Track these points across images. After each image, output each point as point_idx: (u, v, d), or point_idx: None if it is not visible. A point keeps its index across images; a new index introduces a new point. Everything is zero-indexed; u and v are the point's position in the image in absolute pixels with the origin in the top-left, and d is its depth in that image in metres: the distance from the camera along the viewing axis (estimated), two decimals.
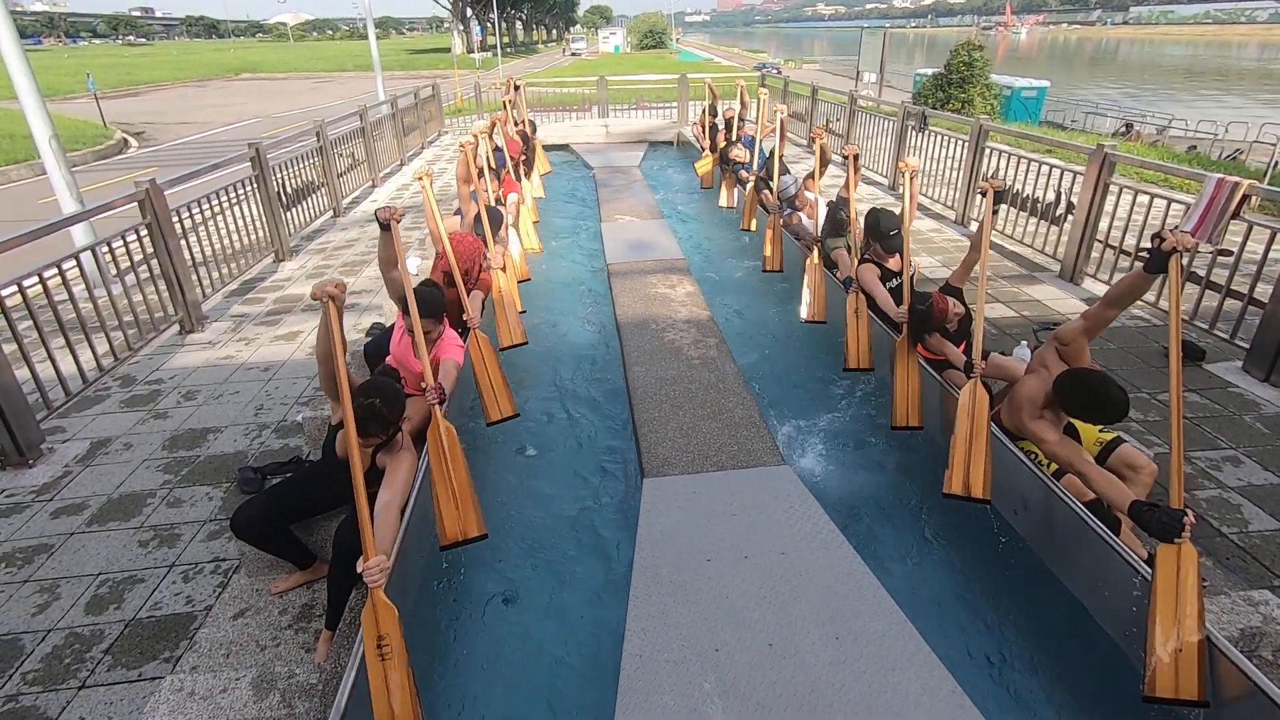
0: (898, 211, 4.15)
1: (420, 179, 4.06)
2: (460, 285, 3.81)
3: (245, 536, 2.54)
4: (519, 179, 6.85)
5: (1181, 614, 1.99)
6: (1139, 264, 2.60)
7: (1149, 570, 2.20)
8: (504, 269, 4.59)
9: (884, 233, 4.04)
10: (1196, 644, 1.95)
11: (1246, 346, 4.08)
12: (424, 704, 1.96)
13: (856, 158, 4.66)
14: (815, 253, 4.81)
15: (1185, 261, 4.70)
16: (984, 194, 3.44)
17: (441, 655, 2.51)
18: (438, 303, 3.21)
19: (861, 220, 4.31)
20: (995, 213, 3.49)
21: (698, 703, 2.03)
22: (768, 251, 5.65)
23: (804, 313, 4.69)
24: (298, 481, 2.75)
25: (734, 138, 7.81)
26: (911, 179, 4.04)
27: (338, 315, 2.29)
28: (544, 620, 2.69)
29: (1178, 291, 2.39)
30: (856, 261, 4.25)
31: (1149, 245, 4.81)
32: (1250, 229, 4.35)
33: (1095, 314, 2.63)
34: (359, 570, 2.06)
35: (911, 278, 3.81)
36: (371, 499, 2.46)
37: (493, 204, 5.57)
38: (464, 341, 3.48)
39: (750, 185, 6.68)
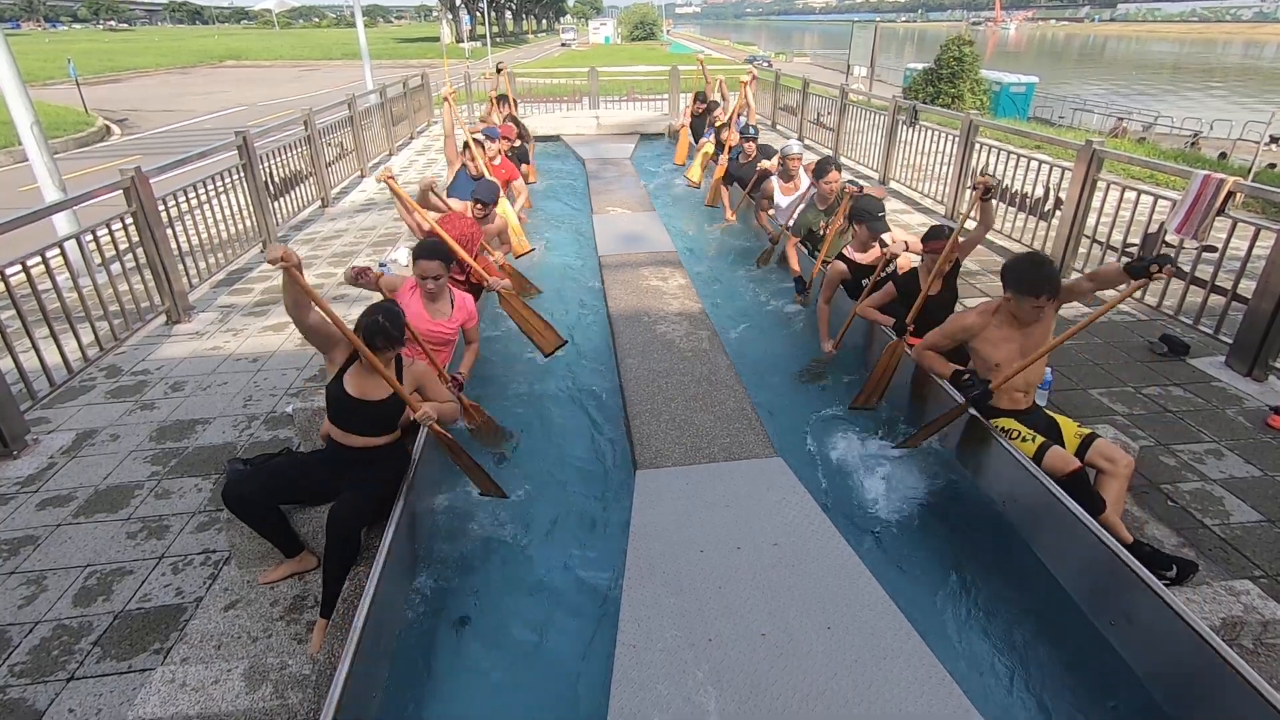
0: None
1: (381, 180, 4.22)
2: (466, 258, 4.03)
3: (235, 509, 2.51)
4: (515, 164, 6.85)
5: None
6: (1126, 258, 2.73)
7: (1130, 557, 2.25)
8: (507, 275, 4.75)
9: (870, 214, 4.06)
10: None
11: (1230, 342, 4.14)
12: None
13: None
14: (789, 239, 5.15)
15: (1170, 257, 4.77)
16: (974, 188, 3.44)
17: (435, 648, 2.51)
18: (438, 245, 3.49)
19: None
20: (986, 202, 3.51)
21: (691, 692, 2.04)
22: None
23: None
24: (295, 462, 2.74)
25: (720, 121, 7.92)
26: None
27: (299, 276, 2.39)
28: (537, 611, 2.70)
29: (1134, 290, 2.73)
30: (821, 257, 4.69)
31: (1137, 246, 4.88)
32: (1234, 226, 4.41)
33: (1072, 286, 2.86)
34: (415, 418, 2.65)
35: (893, 270, 3.88)
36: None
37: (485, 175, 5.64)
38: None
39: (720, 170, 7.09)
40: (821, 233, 4.92)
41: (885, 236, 4.04)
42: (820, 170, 4.84)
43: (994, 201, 3.53)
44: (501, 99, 8.49)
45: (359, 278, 3.52)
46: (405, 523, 2.54)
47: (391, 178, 4.18)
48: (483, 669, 2.45)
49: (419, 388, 2.81)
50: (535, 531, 3.10)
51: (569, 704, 2.35)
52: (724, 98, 8.97)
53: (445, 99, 6.17)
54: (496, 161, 6.19)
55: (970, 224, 3.63)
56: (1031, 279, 2.70)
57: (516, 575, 2.86)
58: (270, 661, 2.19)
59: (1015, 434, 2.82)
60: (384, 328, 2.51)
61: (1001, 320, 2.87)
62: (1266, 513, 2.96)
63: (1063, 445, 2.78)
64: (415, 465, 2.72)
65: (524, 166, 7.71)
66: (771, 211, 5.88)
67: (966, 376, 2.92)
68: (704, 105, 9.07)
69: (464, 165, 5.90)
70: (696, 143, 9.00)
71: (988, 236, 6.39)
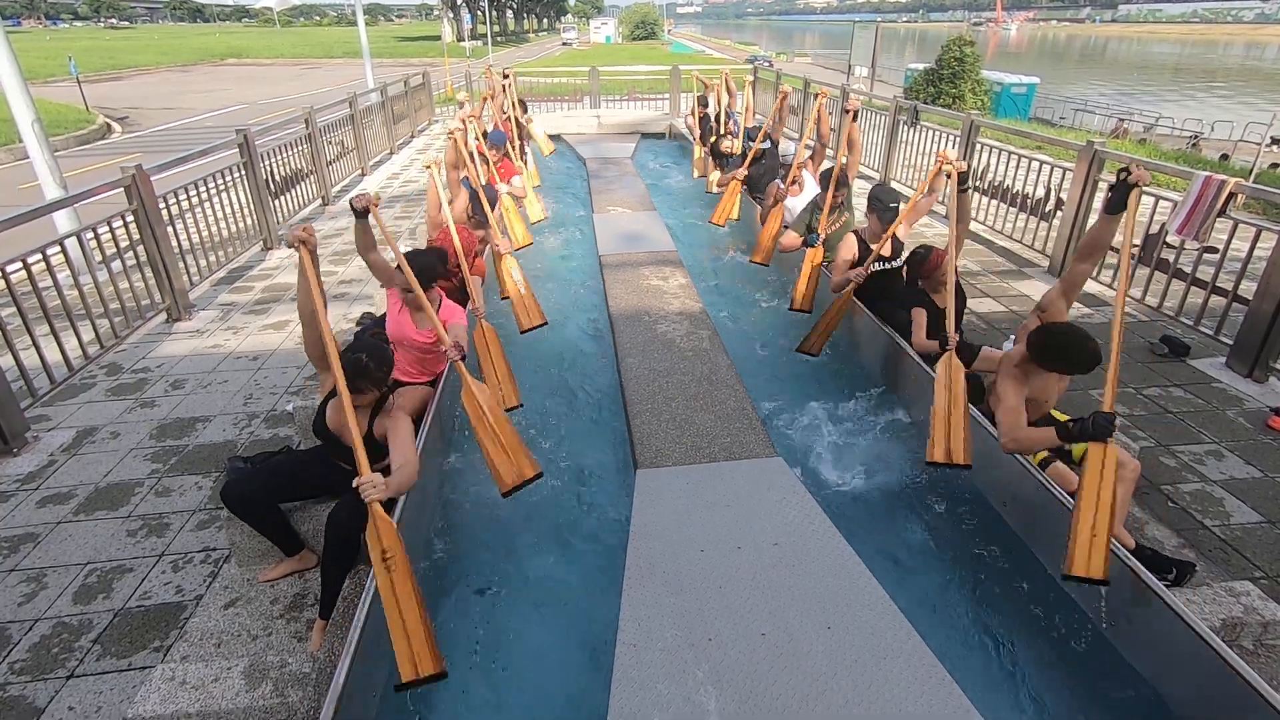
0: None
1: (429, 168, 4.14)
2: (466, 271, 3.91)
3: (235, 508, 2.51)
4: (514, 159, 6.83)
5: (1101, 505, 2.23)
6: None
7: (1132, 558, 2.25)
8: (508, 252, 4.66)
9: (883, 204, 4.08)
10: (1107, 531, 2.18)
11: (1230, 343, 4.14)
12: (430, 611, 2.10)
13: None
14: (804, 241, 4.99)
15: (1171, 257, 4.77)
16: (948, 176, 3.46)
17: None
18: (432, 266, 3.28)
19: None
20: (964, 191, 3.50)
21: (691, 691, 2.04)
22: (764, 245, 5.68)
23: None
24: (294, 459, 2.74)
25: (724, 130, 7.85)
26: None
27: (312, 261, 2.35)
28: (538, 610, 2.70)
29: (1131, 227, 2.61)
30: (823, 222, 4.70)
31: (1138, 246, 4.88)
32: (1236, 227, 4.41)
33: (1070, 273, 2.78)
34: (354, 485, 2.14)
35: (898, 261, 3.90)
36: (385, 466, 2.53)
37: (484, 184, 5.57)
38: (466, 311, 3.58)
39: (732, 180, 6.75)
40: (820, 231, 4.91)
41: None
42: (828, 179, 4.83)
43: (970, 191, 3.47)
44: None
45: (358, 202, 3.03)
46: (405, 523, 2.53)
47: (435, 166, 4.13)
48: (483, 668, 2.45)
49: (385, 435, 2.47)
50: (535, 531, 3.10)
51: (569, 703, 2.35)
52: (719, 102, 8.94)
53: (465, 123, 5.55)
54: (496, 162, 6.18)
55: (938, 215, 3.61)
56: (1083, 362, 2.58)
57: (516, 575, 2.86)
58: (270, 660, 2.19)
59: None
60: (367, 368, 2.36)
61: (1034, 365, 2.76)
62: (1267, 514, 2.96)
63: (1071, 450, 2.78)
64: (369, 595, 2.66)
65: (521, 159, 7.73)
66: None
67: (1073, 424, 2.47)
68: (704, 109, 9.07)
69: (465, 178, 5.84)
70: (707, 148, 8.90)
71: (988, 237, 6.46)
